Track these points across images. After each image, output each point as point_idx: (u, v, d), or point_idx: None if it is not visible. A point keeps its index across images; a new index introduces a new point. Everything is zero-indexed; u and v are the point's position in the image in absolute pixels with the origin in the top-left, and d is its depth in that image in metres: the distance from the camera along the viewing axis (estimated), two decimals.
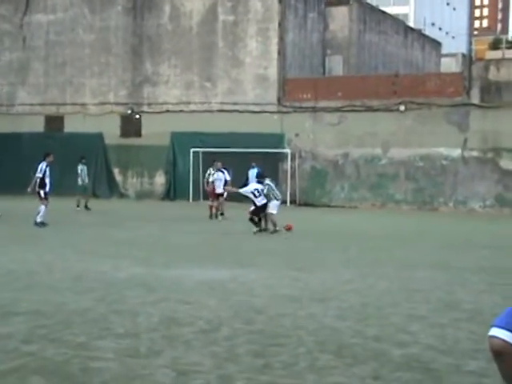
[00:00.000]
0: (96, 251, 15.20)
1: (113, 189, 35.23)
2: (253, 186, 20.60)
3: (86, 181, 28.04)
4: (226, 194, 24.29)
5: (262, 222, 20.01)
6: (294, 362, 6.95)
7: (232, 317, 8.87)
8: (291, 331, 8.17)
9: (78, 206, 27.11)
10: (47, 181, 20.39)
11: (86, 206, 27.07)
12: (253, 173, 29.45)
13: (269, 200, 19.81)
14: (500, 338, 1.81)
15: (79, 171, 27.77)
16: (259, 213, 19.85)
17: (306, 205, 31.60)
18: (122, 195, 34.83)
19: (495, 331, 1.84)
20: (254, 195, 19.83)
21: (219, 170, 24.81)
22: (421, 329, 8.37)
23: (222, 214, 24.38)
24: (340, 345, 7.60)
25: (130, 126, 35.34)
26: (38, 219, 20.04)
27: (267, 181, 20.41)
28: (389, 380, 6.49)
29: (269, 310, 9.30)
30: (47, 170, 20.47)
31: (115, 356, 7.06)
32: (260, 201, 19.76)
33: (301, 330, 8.24)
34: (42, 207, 20.17)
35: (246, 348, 7.42)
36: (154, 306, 9.49)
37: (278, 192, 20.52)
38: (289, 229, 20.36)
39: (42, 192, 20.27)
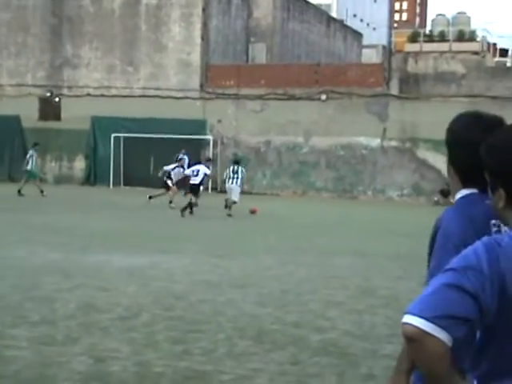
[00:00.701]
0: (10, 237, 14.80)
1: None
2: (195, 167, 22.20)
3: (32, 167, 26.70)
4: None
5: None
6: (213, 349, 6.95)
7: (151, 303, 8.80)
8: (211, 317, 8.17)
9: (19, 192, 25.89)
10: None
11: (19, 192, 25.87)
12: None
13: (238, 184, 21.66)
14: (413, 325, 1.82)
15: (28, 156, 26.72)
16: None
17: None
18: (41, 179, 34.00)
19: (408, 318, 1.85)
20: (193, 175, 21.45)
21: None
22: (338, 315, 8.50)
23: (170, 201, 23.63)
24: (259, 331, 7.64)
25: (49, 109, 34.52)
26: None
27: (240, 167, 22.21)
28: (307, 365, 6.56)
29: (189, 296, 9.27)
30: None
31: (30, 344, 6.90)
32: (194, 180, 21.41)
33: (220, 316, 8.25)
34: None
35: (165, 334, 7.37)
36: (71, 292, 9.32)
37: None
38: (253, 212, 21.47)
39: None
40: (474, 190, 2.61)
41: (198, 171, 21.90)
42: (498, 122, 2.68)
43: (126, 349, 6.83)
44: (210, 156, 28.11)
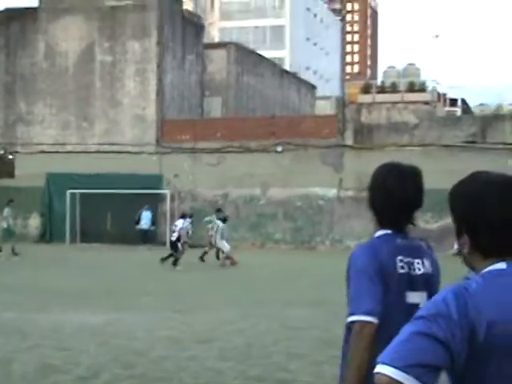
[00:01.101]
0: None
1: None
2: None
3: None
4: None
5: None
6: None
7: (112, 361, 8.63)
8: (173, 374, 8.04)
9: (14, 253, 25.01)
10: None
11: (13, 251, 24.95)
12: (146, 214, 29.48)
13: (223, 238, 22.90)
14: (385, 375, 1.82)
15: (5, 214, 26.05)
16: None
17: (190, 246, 31.37)
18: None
19: (381, 368, 1.86)
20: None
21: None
22: (300, 367, 8.45)
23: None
24: None
25: (3, 166, 34.14)
26: None
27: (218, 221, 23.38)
28: None
29: (150, 353, 9.12)
30: None
31: None
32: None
33: (183, 372, 8.13)
34: None
35: None
36: (29, 352, 9.10)
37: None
38: (233, 263, 22.32)
39: None
40: (388, 231, 3.11)
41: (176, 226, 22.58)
42: (412, 171, 3.22)
43: None
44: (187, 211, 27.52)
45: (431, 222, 29.96)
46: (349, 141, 30.82)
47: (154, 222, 30.23)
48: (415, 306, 2.94)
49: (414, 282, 3.11)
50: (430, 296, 3.05)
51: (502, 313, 1.90)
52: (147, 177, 31.91)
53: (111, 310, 12.77)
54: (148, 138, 32.87)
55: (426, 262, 3.17)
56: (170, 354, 9.08)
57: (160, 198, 32.36)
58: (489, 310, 1.89)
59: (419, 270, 3.14)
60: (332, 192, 30.84)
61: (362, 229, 30.57)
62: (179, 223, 22.70)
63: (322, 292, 15.96)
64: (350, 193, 30.68)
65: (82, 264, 23.10)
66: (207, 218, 24.14)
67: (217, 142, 32.15)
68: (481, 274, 2.00)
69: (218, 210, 24.43)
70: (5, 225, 25.59)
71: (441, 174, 29.46)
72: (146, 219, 29.60)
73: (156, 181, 32.24)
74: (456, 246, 28.67)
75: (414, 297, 3.11)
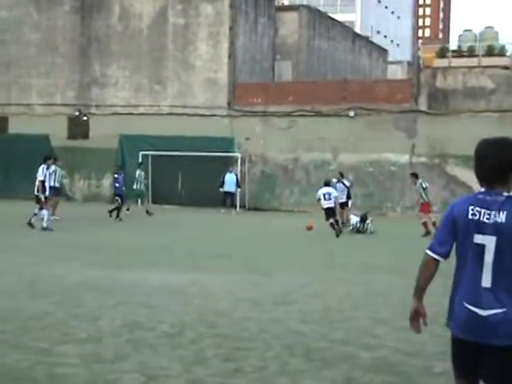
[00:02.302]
0: (48, 254, 14.85)
1: None
2: (324, 189, 21.82)
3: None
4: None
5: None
6: (264, 366, 6.89)
7: (195, 321, 8.76)
8: (256, 335, 8.10)
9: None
10: (47, 184, 20.06)
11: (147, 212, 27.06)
12: (230, 177, 29.74)
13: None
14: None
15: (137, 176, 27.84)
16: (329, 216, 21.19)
17: (256, 209, 31.55)
18: (69, 198, 34.19)
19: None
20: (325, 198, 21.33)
21: (339, 181, 24.39)
22: (386, 332, 8.40)
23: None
24: (308, 348, 7.56)
25: (78, 127, 34.76)
26: (44, 224, 19.54)
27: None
28: (361, 383, 6.48)
29: (232, 314, 9.21)
30: (47, 173, 20.12)
31: (80, 361, 6.89)
32: (326, 203, 21.28)
33: (266, 333, 8.18)
34: (45, 212, 19.75)
35: (213, 352, 7.32)
36: (115, 309, 9.31)
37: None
38: (310, 228, 21.94)
39: (42, 196, 19.83)
40: (481, 189, 4.05)
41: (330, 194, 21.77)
42: (497, 140, 4.05)
43: (177, 366, 6.79)
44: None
45: None
46: (423, 106, 30.23)
47: (238, 184, 30.39)
48: (481, 246, 3.93)
49: (481, 227, 3.94)
50: (499, 240, 3.88)
51: None
52: (219, 139, 32.03)
53: (190, 270, 12.95)
54: (220, 101, 32.92)
55: (500, 214, 3.90)
56: (251, 316, 9.16)
57: (231, 161, 32.46)
58: None
59: (487, 219, 3.92)
60: (404, 158, 30.40)
61: (434, 195, 30.09)
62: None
63: (400, 259, 15.83)
64: (422, 159, 30.20)
65: (154, 224, 23.46)
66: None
67: (288, 106, 31.97)
68: None
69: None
70: (135, 186, 27.60)
71: None
72: (230, 181, 29.76)
73: (227, 144, 32.34)
74: None
75: (480, 238, 3.96)
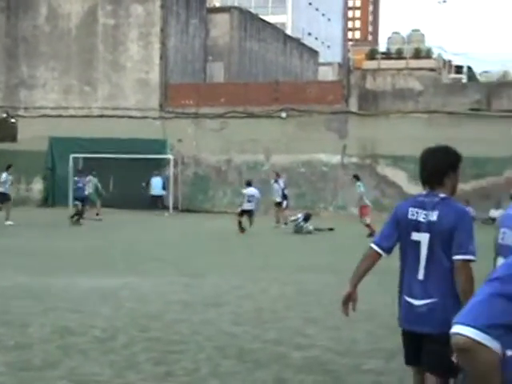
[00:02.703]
0: None
1: None
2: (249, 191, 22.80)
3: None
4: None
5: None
6: (196, 368, 6.88)
7: (127, 324, 8.68)
8: (189, 337, 8.08)
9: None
10: None
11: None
12: (156, 180, 29.66)
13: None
14: (465, 335, 1.82)
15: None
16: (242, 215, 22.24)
17: (189, 211, 31.42)
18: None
19: (459, 328, 1.85)
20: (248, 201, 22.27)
21: (276, 181, 25.47)
22: (317, 331, 8.49)
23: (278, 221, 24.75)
24: (240, 349, 7.58)
25: (5, 130, 33.96)
26: None
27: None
28: (292, 383, 6.52)
29: (164, 317, 9.16)
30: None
31: (7, 370, 6.74)
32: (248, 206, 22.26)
33: (198, 335, 8.17)
34: None
35: (145, 356, 7.27)
36: (44, 315, 9.14)
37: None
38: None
39: None
40: (423, 192, 4.54)
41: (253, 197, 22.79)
42: (434, 148, 4.82)
43: (108, 371, 6.71)
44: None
45: None
46: (353, 107, 30.66)
47: (164, 187, 30.35)
48: (417, 243, 4.35)
49: (418, 226, 4.37)
50: (431, 237, 4.28)
51: None
52: (151, 142, 31.77)
53: (122, 274, 12.81)
54: (151, 102, 32.69)
55: (433, 213, 4.33)
56: (183, 318, 9.13)
57: (163, 163, 32.29)
58: None
59: (424, 218, 4.35)
60: (336, 158, 30.77)
61: (366, 195, 30.58)
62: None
63: (332, 258, 16.01)
64: (353, 159, 30.62)
65: (86, 228, 23.12)
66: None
67: (220, 107, 31.98)
68: None
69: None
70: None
71: (445, 142, 29.32)
72: (156, 185, 29.72)
73: (159, 146, 32.12)
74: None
75: (416, 236, 4.38)
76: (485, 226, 20.98)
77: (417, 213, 4.41)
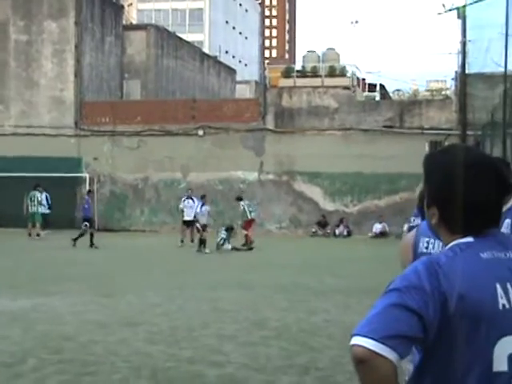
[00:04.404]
0: None
1: None
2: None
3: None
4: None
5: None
6: None
7: (38, 347, 8.45)
8: (104, 358, 7.94)
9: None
10: None
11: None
12: (44, 197, 28.32)
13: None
14: (362, 346, 1.84)
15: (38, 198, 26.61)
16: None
17: (106, 230, 30.93)
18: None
19: (357, 339, 1.86)
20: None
21: (189, 198, 24.98)
22: (233, 348, 8.47)
23: (191, 241, 24.20)
24: (154, 369, 7.49)
25: None
26: None
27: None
28: None
29: (78, 338, 8.97)
30: None
31: None
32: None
33: (113, 356, 8.03)
34: None
35: (56, 379, 7.09)
36: None
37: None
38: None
39: None
40: None
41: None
42: None
43: None
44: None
45: (350, 205, 30.50)
46: (270, 125, 30.94)
47: (50, 205, 28.98)
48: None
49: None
50: None
51: (470, 284, 1.94)
52: (66, 160, 31.22)
53: (33, 295, 12.47)
54: (66, 120, 32.15)
55: None
56: (98, 338, 8.95)
57: (79, 182, 31.76)
58: (459, 282, 1.93)
59: None
60: (253, 175, 30.94)
61: (283, 212, 30.87)
62: None
63: (246, 275, 16.05)
64: (270, 176, 30.86)
65: (1, 248, 22.46)
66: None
67: (137, 125, 31.74)
68: (450, 246, 2.04)
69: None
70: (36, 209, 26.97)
71: (360, 158, 30.02)
72: (44, 202, 28.36)
73: (75, 164, 31.60)
74: (374, 230, 29.33)
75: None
76: (399, 240, 21.38)
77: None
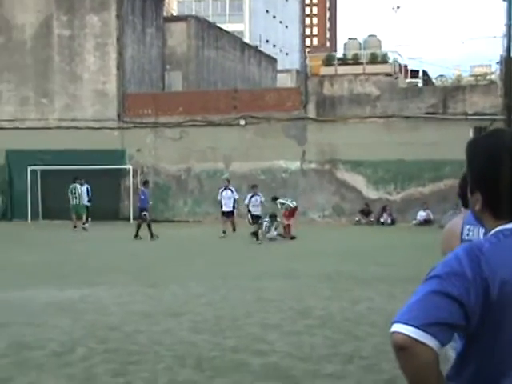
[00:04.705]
0: None
1: None
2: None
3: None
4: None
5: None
6: (155, 379, 6.83)
7: (85, 336, 8.58)
8: (148, 347, 8.03)
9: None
10: None
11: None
12: (84, 189, 28.50)
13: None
14: (403, 333, 1.83)
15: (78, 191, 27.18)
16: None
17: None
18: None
19: (398, 327, 1.86)
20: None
21: (227, 188, 24.62)
22: (277, 337, 8.48)
23: (233, 230, 24.06)
24: (199, 358, 7.55)
25: None
26: None
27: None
28: None
29: (123, 328, 9.08)
30: None
31: None
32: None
33: (158, 345, 8.12)
34: None
35: (103, 367, 7.20)
36: (0, 330, 8.99)
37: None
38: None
39: None
40: None
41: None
42: None
43: None
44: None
45: (393, 193, 30.26)
46: (311, 113, 30.82)
47: (90, 197, 28.96)
48: None
49: None
50: None
51: None
52: (109, 152, 31.58)
53: (80, 286, 12.67)
54: (109, 113, 32.49)
55: None
56: (142, 328, 9.06)
57: (122, 174, 32.11)
58: (501, 269, 1.91)
59: None
60: (295, 165, 30.89)
61: (325, 201, 30.76)
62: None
63: (291, 264, 16.05)
64: (313, 165, 30.77)
65: (47, 241, 22.87)
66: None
67: (179, 116, 31.91)
68: (493, 233, 2.02)
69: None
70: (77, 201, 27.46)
71: (403, 146, 29.74)
72: (85, 195, 28.60)
73: (118, 156, 31.94)
74: (418, 217, 29.06)
75: None
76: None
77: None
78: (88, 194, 28.70)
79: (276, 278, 13.71)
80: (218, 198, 24.99)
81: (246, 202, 23.14)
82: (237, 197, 24.60)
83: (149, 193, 24.77)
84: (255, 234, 21.91)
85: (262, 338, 8.46)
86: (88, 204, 28.47)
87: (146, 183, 25.16)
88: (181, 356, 7.61)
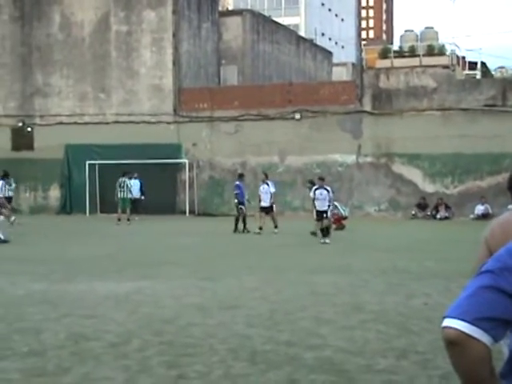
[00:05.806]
0: None
1: None
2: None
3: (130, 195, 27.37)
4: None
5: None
6: (209, 371, 6.89)
7: (141, 328, 8.71)
8: (202, 340, 8.10)
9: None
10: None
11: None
12: (135, 183, 28.79)
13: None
14: (455, 328, 1.81)
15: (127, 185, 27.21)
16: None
17: (205, 214, 31.50)
18: (15, 210, 33.57)
19: (449, 321, 1.84)
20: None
21: (265, 183, 23.73)
22: (330, 332, 8.47)
23: (275, 227, 22.98)
24: (253, 351, 7.58)
25: (22, 139, 34.24)
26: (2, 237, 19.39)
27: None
28: (304, 383, 6.52)
29: (178, 320, 9.18)
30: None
31: (21, 376, 6.79)
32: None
33: (212, 338, 8.18)
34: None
35: (158, 359, 7.29)
36: (59, 322, 9.19)
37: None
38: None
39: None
40: None
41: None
42: None
43: (120, 376, 6.74)
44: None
45: (451, 187, 29.84)
46: (367, 107, 30.59)
47: (143, 191, 29.31)
48: None
49: None
50: None
51: None
52: (165, 146, 31.91)
53: (135, 279, 12.86)
54: (165, 107, 32.83)
55: None
56: (197, 321, 9.14)
57: (179, 168, 32.41)
58: None
59: None
60: (351, 158, 30.71)
61: (381, 194, 30.50)
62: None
63: (345, 258, 16.00)
64: (368, 159, 30.56)
65: (105, 234, 23.24)
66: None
67: (234, 110, 32.04)
68: None
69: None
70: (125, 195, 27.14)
71: (460, 139, 29.29)
72: (135, 188, 28.85)
73: (174, 150, 32.25)
74: (476, 211, 28.56)
75: None
76: None
77: None
78: (141, 188, 29.03)
79: (330, 272, 13.68)
80: (259, 193, 24.25)
81: (312, 195, 21.79)
82: (273, 191, 23.48)
83: (244, 186, 24.38)
84: (323, 230, 20.28)
85: (315, 332, 8.45)
86: (138, 197, 28.66)
87: (241, 176, 24.77)
88: (234, 349, 7.66)
